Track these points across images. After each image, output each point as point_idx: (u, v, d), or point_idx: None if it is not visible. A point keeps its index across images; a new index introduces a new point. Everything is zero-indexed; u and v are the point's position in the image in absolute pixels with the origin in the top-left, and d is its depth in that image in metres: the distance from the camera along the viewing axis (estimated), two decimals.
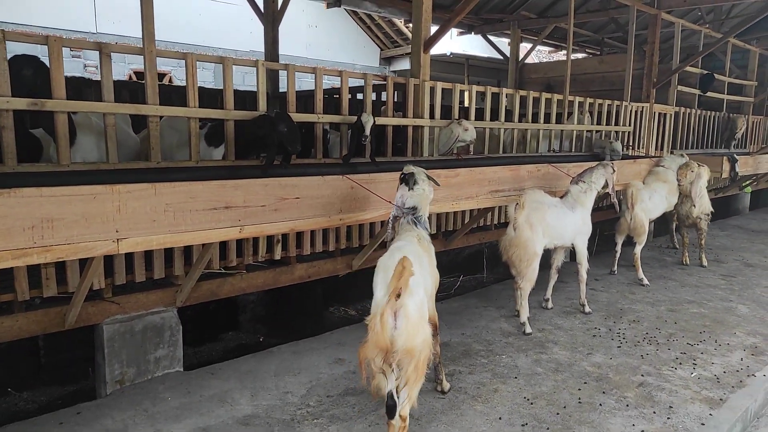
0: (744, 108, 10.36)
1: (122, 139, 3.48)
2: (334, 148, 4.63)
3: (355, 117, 4.14)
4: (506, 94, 5.58)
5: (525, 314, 4.31)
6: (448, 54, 11.91)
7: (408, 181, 3.12)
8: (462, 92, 5.30)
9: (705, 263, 6.54)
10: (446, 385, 3.34)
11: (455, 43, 12.78)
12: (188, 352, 3.71)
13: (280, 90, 6.95)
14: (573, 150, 6.62)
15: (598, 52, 12.34)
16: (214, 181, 2.75)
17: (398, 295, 2.33)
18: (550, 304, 4.91)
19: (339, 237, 4.33)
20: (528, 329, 4.28)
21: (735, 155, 7.46)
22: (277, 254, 4.01)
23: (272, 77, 6.26)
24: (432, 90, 4.77)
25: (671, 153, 7.57)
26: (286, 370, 3.62)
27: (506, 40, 11.03)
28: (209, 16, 11.14)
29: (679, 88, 8.38)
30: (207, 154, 3.66)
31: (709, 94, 8.95)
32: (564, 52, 13.57)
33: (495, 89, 5.45)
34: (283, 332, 4.73)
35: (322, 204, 3.16)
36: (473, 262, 6.71)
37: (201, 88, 3.53)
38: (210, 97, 3.54)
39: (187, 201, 2.65)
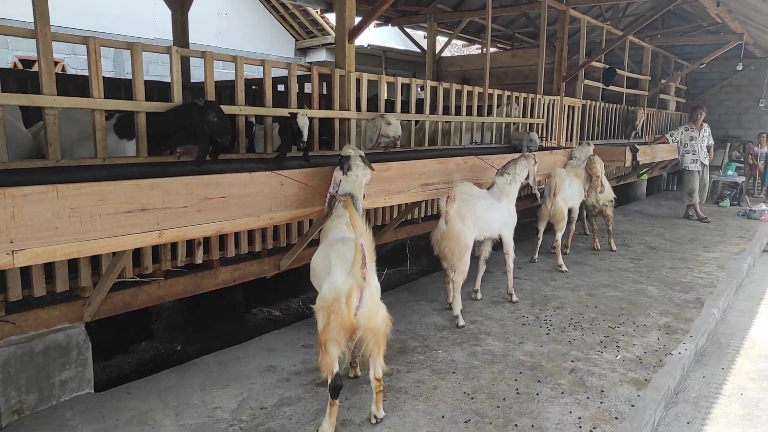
0: (640, 101, 11.13)
1: (12, 135, 3.03)
2: (259, 142, 4.36)
3: (280, 108, 3.91)
4: (430, 87, 5.54)
5: (458, 307, 4.30)
6: (366, 46, 11.80)
7: (343, 164, 3.07)
8: (390, 84, 5.19)
9: (614, 248, 6.94)
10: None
11: (372, 34, 12.68)
12: (96, 367, 3.33)
13: (192, 80, 6.53)
14: (493, 142, 6.75)
15: (509, 47, 12.76)
16: (128, 180, 2.45)
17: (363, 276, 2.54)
18: (479, 295, 4.95)
19: (265, 237, 4.09)
20: (461, 322, 4.28)
21: (636, 145, 7.98)
22: (199, 258, 3.70)
23: (182, 66, 5.83)
24: (358, 81, 4.63)
25: (580, 143, 7.95)
26: (213, 384, 3.35)
27: (422, 33, 11.09)
28: (107, 1, 10.22)
29: (585, 82, 8.81)
30: (119, 149, 3.28)
31: (611, 87, 9.50)
32: (476, 46, 13.93)
33: (420, 81, 5.40)
34: (203, 339, 4.41)
35: (251, 203, 2.93)
36: (397, 255, 6.68)
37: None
38: (110, 88, 3.15)
39: (96, 204, 2.34)
